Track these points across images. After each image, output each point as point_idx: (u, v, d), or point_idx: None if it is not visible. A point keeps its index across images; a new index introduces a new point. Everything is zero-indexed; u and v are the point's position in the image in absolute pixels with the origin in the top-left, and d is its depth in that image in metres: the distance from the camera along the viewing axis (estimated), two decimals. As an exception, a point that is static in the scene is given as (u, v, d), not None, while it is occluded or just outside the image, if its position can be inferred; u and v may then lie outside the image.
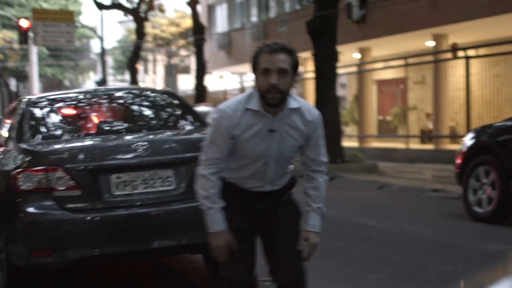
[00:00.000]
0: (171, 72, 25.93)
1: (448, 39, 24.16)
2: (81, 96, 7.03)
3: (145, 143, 5.87)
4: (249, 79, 47.32)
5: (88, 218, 5.61)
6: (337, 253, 7.77)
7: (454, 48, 21.90)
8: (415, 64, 24.24)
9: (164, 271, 7.25)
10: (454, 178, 11.34)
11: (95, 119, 6.68)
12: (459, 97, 21.88)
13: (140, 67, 42.22)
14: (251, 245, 4.11)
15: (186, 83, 46.55)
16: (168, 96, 7.18)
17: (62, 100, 6.95)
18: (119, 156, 5.80)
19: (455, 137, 22.20)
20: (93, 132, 6.41)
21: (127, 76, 45.43)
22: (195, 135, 6.31)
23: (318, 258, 7.52)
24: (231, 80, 57.11)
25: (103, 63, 48.15)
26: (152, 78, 57.60)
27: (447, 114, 23.73)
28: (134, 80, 38.45)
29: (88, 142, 6.10)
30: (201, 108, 21.45)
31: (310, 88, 30.75)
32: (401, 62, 24.68)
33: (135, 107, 7.01)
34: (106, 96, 7.06)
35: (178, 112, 6.99)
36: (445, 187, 14.12)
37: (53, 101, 6.84)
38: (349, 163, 18.79)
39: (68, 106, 6.85)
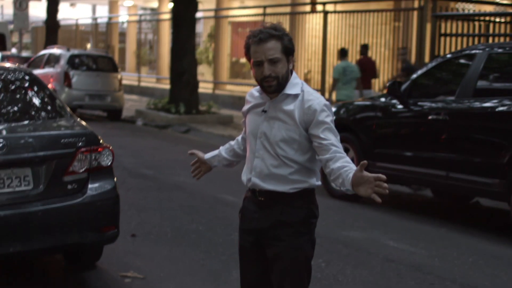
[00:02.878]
0: (22, 6, 24.61)
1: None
2: None
3: (1, 139, 5.47)
4: (103, 13, 45.96)
5: None
6: (197, 240, 7.60)
7: (313, 2, 22.01)
8: (273, 14, 24.26)
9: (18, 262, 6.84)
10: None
11: None
12: (314, 44, 22.02)
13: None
14: (253, 265, 4.02)
15: (37, 11, 44.53)
16: (23, 76, 6.65)
17: None
18: None
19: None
20: None
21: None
22: (56, 131, 5.94)
23: (176, 245, 7.39)
24: (83, 10, 55.33)
25: None
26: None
27: (302, 61, 23.93)
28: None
29: None
30: (54, 51, 20.46)
31: (165, 32, 30.27)
32: (259, 10, 24.61)
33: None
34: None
35: (35, 96, 6.49)
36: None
37: None
38: (204, 114, 18.62)
39: None
